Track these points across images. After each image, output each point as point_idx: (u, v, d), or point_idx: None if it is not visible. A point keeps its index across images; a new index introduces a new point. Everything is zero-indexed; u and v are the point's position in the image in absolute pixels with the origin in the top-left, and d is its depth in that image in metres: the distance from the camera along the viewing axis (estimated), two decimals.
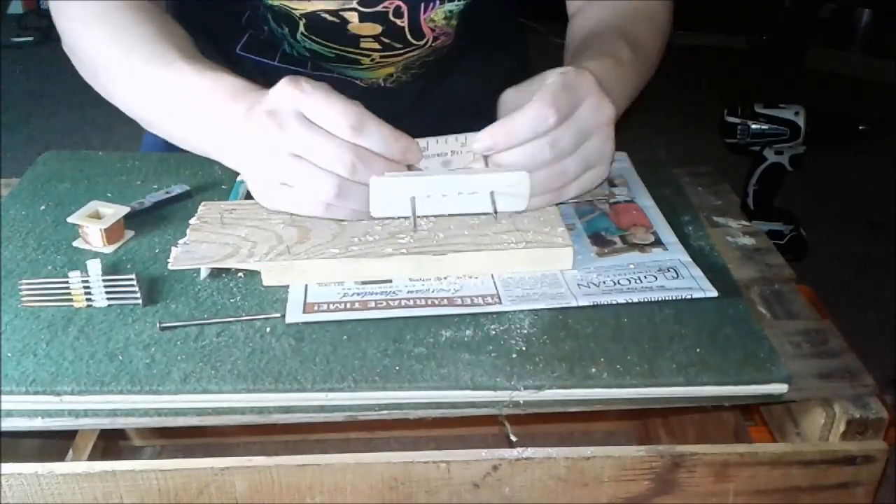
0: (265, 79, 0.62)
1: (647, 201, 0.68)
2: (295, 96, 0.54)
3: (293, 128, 0.53)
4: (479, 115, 0.94)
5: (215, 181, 0.72)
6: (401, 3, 0.74)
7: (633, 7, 0.76)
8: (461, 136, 0.61)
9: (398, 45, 0.78)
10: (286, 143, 0.53)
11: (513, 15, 0.99)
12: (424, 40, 0.78)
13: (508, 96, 0.64)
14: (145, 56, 0.64)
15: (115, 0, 0.68)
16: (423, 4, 0.75)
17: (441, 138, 0.61)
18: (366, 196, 0.56)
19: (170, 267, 0.58)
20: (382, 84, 0.84)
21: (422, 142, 0.60)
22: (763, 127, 1.56)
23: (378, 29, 0.75)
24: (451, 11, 0.76)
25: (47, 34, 2.82)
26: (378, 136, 0.55)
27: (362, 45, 0.77)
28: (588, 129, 0.58)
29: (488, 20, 0.83)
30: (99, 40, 0.67)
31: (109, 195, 0.69)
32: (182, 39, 0.67)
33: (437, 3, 0.75)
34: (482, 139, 0.58)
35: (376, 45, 0.77)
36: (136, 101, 0.67)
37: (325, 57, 0.79)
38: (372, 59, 0.79)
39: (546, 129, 0.56)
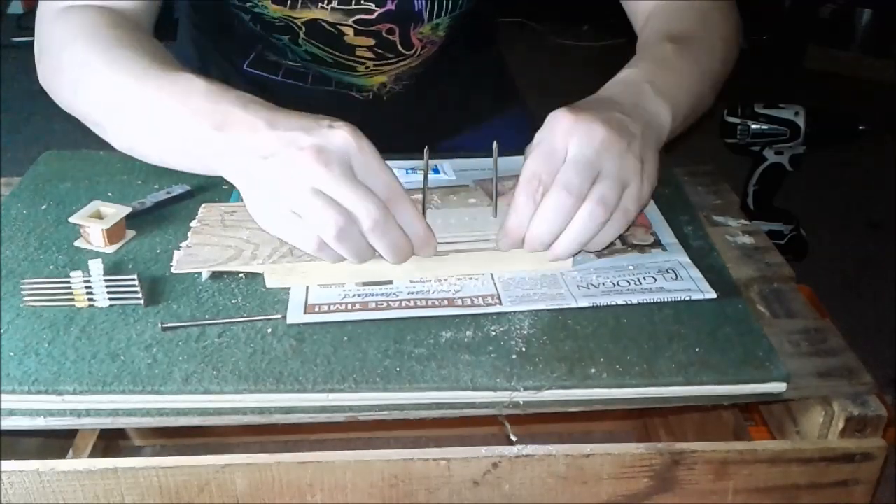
0: (269, 93, 0.63)
1: None
2: (353, 146, 0.54)
3: (336, 169, 0.53)
4: (467, 117, 0.96)
5: (216, 181, 0.71)
6: (393, 26, 0.79)
7: (682, 9, 0.76)
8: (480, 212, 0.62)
9: (390, 56, 0.82)
10: (321, 179, 0.53)
11: (491, 14, 1.01)
12: (413, 50, 0.83)
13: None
14: (141, 66, 0.64)
15: (101, 18, 0.69)
16: (412, 23, 0.79)
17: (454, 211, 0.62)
18: (359, 248, 0.55)
19: (173, 270, 0.58)
20: (377, 92, 0.88)
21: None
22: (763, 127, 1.56)
23: (371, 42, 0.80)
24: (437, 24, 0.81)
25: None
26: (407, 216, 0.56)
27: (357, 53, 0.82)
28: (589, 156, 0.56)
29: (470, 24, 0.86)
30: (82, 55, 0.67)
31: (110, 195, 0.69)
32: (172, 58, 0.67)
33: (425, 20, 0.79)
34: (504, 240, 0.57)
35: (370, 55, 0.82)
36: (121, 110, 0.65)
37: (324, 62, 0.83)
38: (366, 67, 0.84)
39: (544, 188, 0.55)
